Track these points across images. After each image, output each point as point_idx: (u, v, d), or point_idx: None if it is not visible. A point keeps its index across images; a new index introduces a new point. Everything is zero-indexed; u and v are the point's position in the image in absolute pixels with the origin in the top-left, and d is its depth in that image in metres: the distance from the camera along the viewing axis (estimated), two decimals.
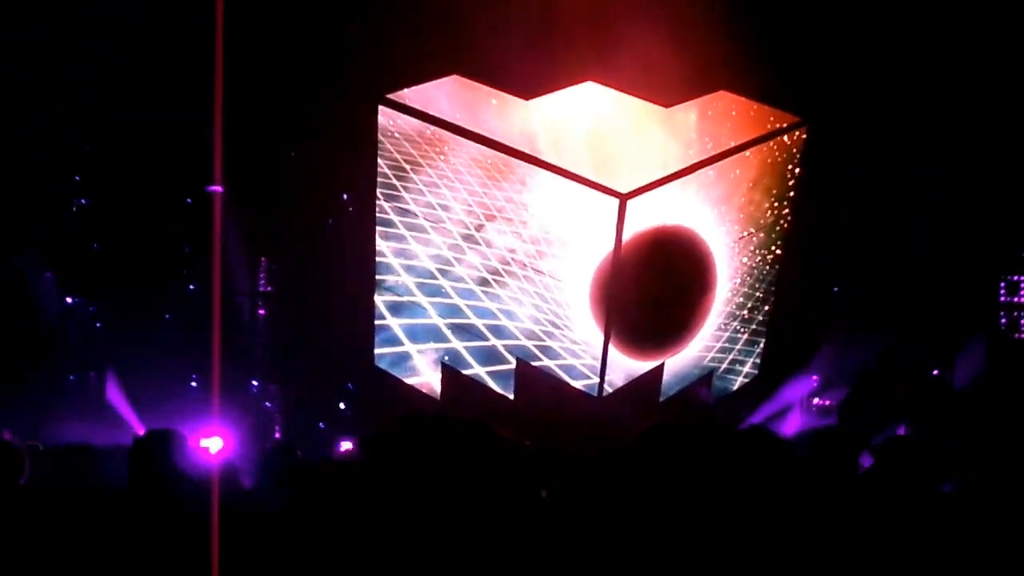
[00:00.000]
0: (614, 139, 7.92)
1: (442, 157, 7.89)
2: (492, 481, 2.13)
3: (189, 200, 9.37)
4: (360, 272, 8.83)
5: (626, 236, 7.31)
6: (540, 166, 7.46)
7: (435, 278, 8.28)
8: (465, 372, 8.46)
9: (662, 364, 8.30)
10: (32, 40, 8.68)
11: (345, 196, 9.75)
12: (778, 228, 8.57)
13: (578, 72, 8.56)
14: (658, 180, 7.43)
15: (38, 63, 8.80)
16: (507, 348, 8.12)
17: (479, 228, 7.88)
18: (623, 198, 7.18)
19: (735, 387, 9.15)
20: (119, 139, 9.10)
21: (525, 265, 7.70)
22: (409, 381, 8.82)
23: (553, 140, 7.73)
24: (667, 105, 8.33)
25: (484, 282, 8.03)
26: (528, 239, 7.66)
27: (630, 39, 8.15)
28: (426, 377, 8.74)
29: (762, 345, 9.10)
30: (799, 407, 9.23)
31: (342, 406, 9.40)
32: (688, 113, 8.33)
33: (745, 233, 8.23)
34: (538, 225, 7.60)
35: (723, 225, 8.03)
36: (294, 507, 4.41)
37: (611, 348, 7.71)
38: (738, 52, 8.39)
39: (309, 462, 5.35)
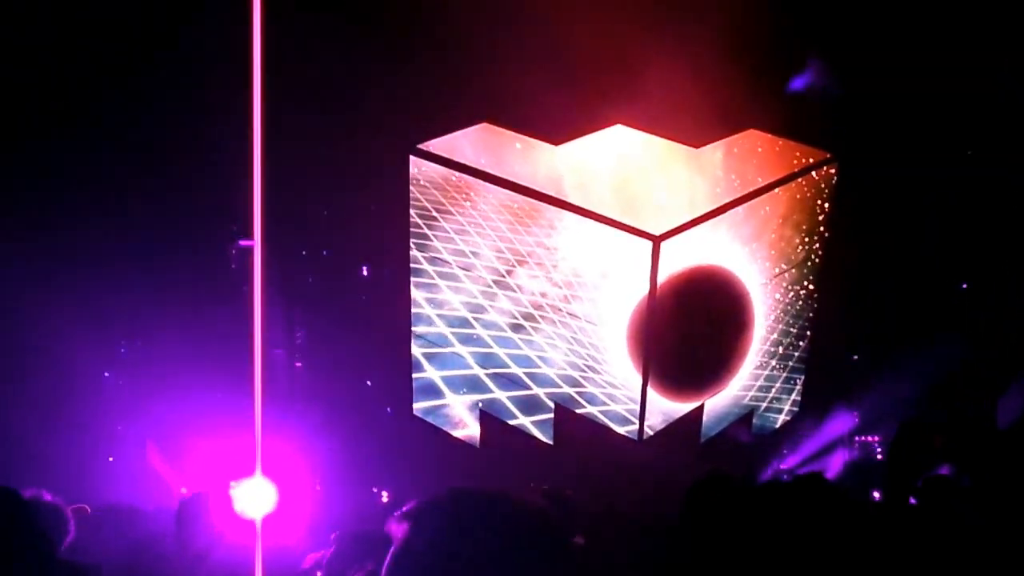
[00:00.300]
0: (644, 181, 7.94)
1: (469, 203, 7.93)
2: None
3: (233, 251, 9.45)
4: (395, 322, 8.87)
5: (660, 278, 7.29)
6: (572, 210, 7.49)
7: (469, 325, 8.30)
8: (504, 420, 8.46)
9: (702, 405, 8.25)
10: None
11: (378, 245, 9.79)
12: (810, 263, 8.54)
13: (606, 116, 8.60)
14: (691, 221, 7.43)
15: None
16: (545, 394, 8.12)
17: (510, 273, 7.90)
18: (656, 240, 7.18)
19: (777, 425, 9.09)
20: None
21: (560, 310, 7.71)
22: (448, 430, 8.83)
23: (584, 184, 7.76)
24: (697, 145, 8.35)
25: (518, 328, 8.04)
26: (560, 283, 7.67)
27: (657, 81, 8.18)
28: (464, 426, 8.74)
29: (801, 382, 9.04)
30: (842, 445, 9.15)
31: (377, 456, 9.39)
32: (717, 152, 8.34)
33: (777, 270, 8.20)
34: (570, 268, 7.61)
35: (755, 263, 8.01)
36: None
37: (650, 391, 7.68)
38: (766, 90, 8.41)
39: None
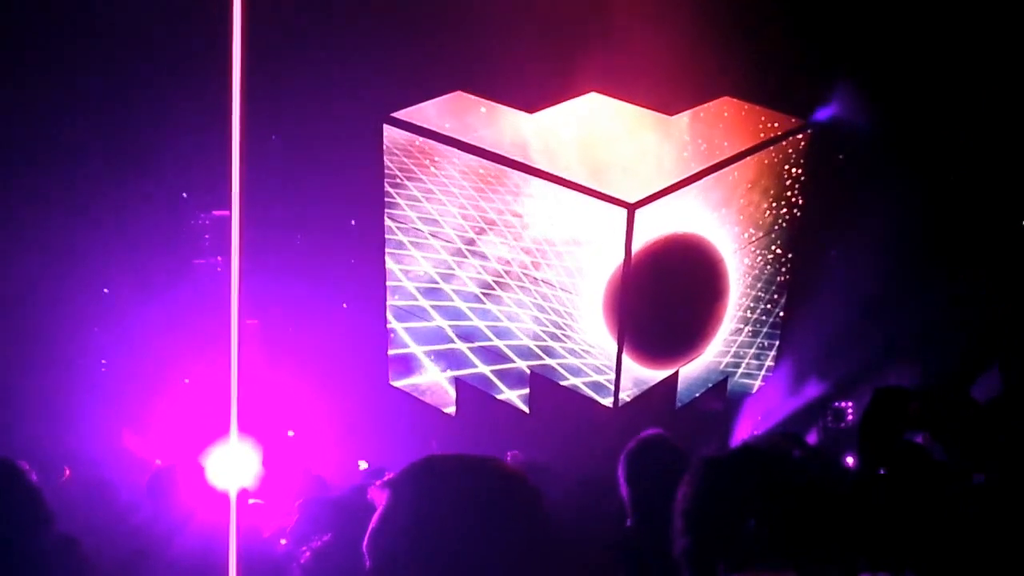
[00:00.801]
0: (618, 149, 7.93)
1: (434, 168, 7.94)
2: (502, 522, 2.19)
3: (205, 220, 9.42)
4: (371, 292, 8.87)
5: (635, 245, 7.30)
6: (549, 179, 7.47)
7: (443, 294, 8.31)
8: (479, 388, 8.48)
9: (676, 372, 8.29)
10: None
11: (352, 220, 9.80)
12: (782, 229, 8.57)
13: (581, 84, 8.59)
14: (664, 188, 7.43)
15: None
16: (519, 362, 8.14)
17: (477, 239, 7.91)
18: (631, 207, 7.18)
19: (752, 391, 9.14)
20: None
21: (533, 277, 7.72)
22: (425, 400, 8.85)
23: (557, 151, 7.75)
24: (671, 113, 8.36)
25: (490, 295, 8.05)
26: (532, 249, 7.67)
27: (631, 49, 8.17)
28: (441, 395, 8.76)
29: (775, 348, 9.10)
30: (816, 410, 9.21)
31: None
32: (691, 120, 8.34)
33: (749, 236, 8.23)
34: (540, 234, 7.61)
35: (728, 229, 8.03)
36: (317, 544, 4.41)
37: (625, 359, 7.70)
38: (740, 57, 8.41)
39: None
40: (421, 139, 7.92)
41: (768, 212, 8.34)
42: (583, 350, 7.77)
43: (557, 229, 7.53)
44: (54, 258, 8.87)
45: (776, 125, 8.23)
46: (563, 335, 7.81)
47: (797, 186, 8.46)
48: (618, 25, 8.09)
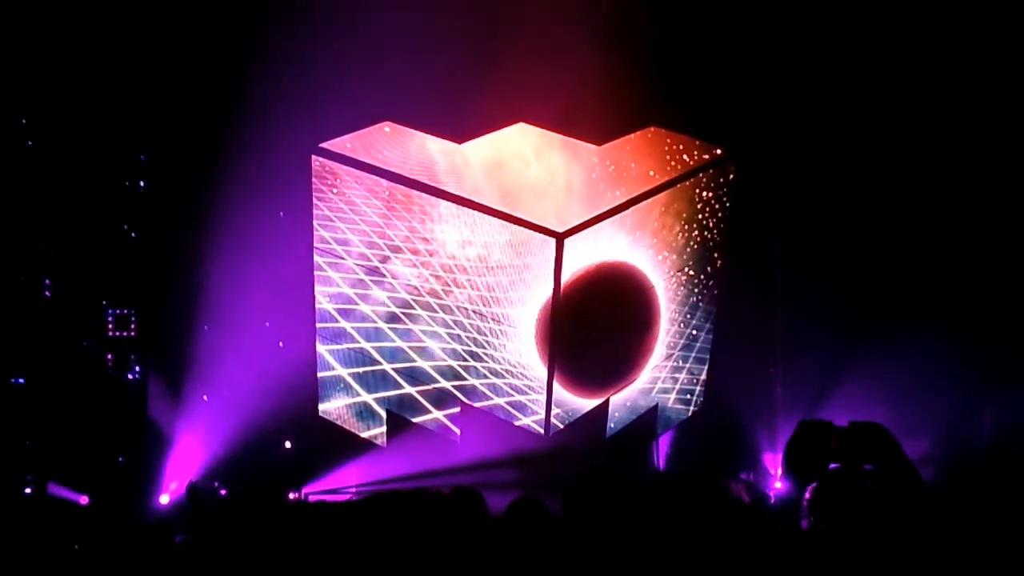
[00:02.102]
0: (546, 178, 7.99)
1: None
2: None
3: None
4: (301, 320, 8.82)
5: (564, 274, 7.35)
6: (477, 209, 7.51)
7: (367, 319, 8.30)
8: (408, 416, 8.45)
9: (607, 400, 8.33)
10: None
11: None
12: (710, 258, 8.67)
13: (509, 114, 8.64)
14: (593, 217, 7.50)
15: None
16: (454, 389, 8.14)
17: (387, 261, 7.93)
18: (560, 237, 7.23)
19: (683, 418, 9.20)
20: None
21: (484, 315, 7.73)
22: (356, 432, 8.81)
23: (487, 181, 7.79)
24: (599, 143, 8.44)
25: (415, 318, 8.06)
26: (454, 271, 7.69)
27: (560, 79, 8.25)
28: (371, 424, 8.73)
29: (703, 378, 9.17)
30: (744, 439, 9.32)
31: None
32: (618, 150, 8.42)
33: (678, 266, 8.32)
34: (451, 259, 7.65)
35: (656, 259, 8.12)
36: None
37: (556, 387, 7.73)
38: (667, 88, 8.53)
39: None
40: (329, 162, 7.95)
41: (694, 240, 8.43)
42: (517, 378, 7.79)
43: (469, 253, 7.57)
44: None
45: (703, 155, 8.34)
46: (498, 364, 7.82)
47: (722, 214, 8.57)
48: (547, 55, 8.16)
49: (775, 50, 8.50)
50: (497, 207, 7.47)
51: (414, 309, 8.04)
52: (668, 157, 8.26)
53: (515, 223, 7.35)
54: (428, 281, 7.86)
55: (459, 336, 7.88)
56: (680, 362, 8.88)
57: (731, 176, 8.46)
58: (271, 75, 8.50)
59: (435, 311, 7.92)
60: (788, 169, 8.74)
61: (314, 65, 8.46)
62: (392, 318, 8.19)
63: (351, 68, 8.47)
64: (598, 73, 7.97)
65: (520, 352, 7.71)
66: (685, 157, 8.31)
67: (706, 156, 8.35)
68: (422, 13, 8.33)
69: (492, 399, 7.97)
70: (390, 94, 8.51)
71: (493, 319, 7.66)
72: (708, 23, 8.62)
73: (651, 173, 8.03)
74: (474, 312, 7.73)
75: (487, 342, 7.78)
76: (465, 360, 7.94)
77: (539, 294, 7.47)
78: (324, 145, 8.09)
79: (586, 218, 7.44)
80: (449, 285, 7.76)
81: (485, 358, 7.85)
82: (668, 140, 8.45)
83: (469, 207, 7.51)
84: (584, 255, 7.54)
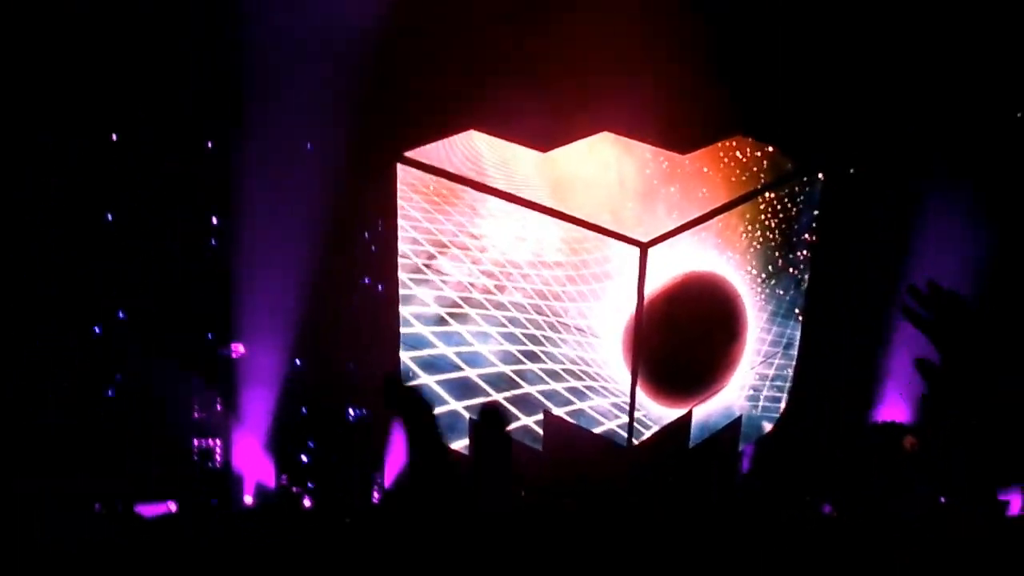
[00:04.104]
0: (629, 187, 7.95)
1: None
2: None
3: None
4: (386, 332, 8.86)
5: (649, 284, 7.29)
6: (560, 218, 7.48)
7: (446, 324, 8.30)
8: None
9: (690, 411, 8.25)
10: None
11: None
12: (798, 269, 8.55)
13: (594, 123, 8.62)
14: (677, 228, 7.43)
15: None
16: (536, 399, 8.12)
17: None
18: (644, 246, 7.17)
19: (766, 431, 9.09)
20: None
21: (576, 328, 7.69)
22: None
23: (571, 190, 7.76)
24: (683, 152, 8.37)
25: (513, 338, 8.04)
26: (553, 285, 7.66)
27: (645, 88, 8.22)
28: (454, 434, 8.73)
29: (789, 390, 9.05)
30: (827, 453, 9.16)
31: None
32: (703, 159, 8.35)
33: (764, 276, 8.22)
34: (562, 275, 7.61)
35: (743, 269, 8.02)
36: None
37: (640, 397, 7.67)
38: (754, 97, 8.45)
39: None
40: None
41: (787, 253, 8.33)
42: (600, 388, 7.74)
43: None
44: None
45: (789, 165, 8.24)
46: (582, 374, 7.78)
47: (812, 224, 8.46)
48: (628, 65, 8.14)
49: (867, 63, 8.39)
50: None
51: (464, 308, 8.02)
52: (775, 174, 8.15)
53: (601, 232, 7.30)
54: (478, 278, 7.83)
55: (550, 351, 7.85)
56: (766, 373, 8.77)
57: (819, 186, 8.34)
58: (360, 83, 8.59)
59: (528, 327, 7.89)
60: (883, 179, 8.62)
61: (401, 71, 8.53)
62: (439, 321, 8.18)
63: (436, 77, 8.53)
64: (680, 81, 7.93)
65: (604, 362, 7.66)
66: (764, 165, 8.22)
67: (790, 166, 8.24)
68: (508, 21, 8.36)
69: (573, 408, 7.93)
70: (475, 103, 8.54)
71: (587, 330, 7.63)
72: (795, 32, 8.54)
73: (737, 183, 7.94)
74: (570, 324, 7.70)
75: (578, 355, 7.75)
76: (552, 370, 7.92)
77: (624, 303, 7.41)
78: (409, 154, 8.10)
79: (670, 228, 7.38)
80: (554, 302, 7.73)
81: (572, 371, 7.82)
82: (775, 158, 8.32)
83: (554, 215, 7.48)
84: (679, 267, 7.49)
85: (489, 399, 4.81)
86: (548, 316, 7.75)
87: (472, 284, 8.02)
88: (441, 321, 8.25)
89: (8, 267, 8.87)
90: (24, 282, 8.81)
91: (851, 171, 8.43)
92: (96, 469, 8.92)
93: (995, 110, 8.48)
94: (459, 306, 8.16)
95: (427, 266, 8.11)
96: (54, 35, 8.46)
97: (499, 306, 7.95)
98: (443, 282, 8.18)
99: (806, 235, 8.45)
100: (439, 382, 8.62)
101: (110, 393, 9.22)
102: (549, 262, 7.60)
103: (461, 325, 8.19)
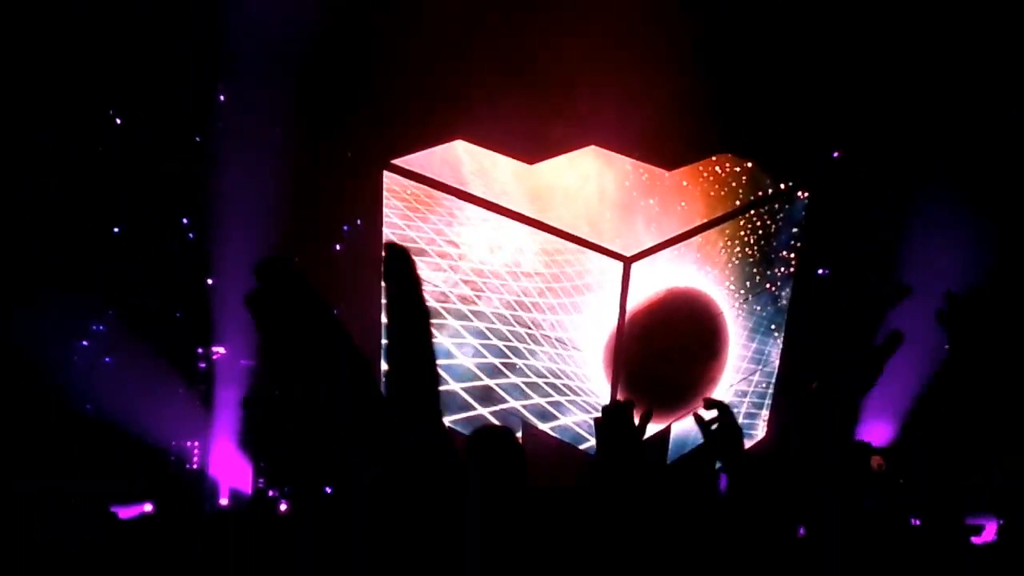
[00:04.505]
0: (615, 202, 7.97)
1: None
2: None
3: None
4: (368, 339, 8.85)
5: (632, 299, 7.30)
6: (546, 230, 7.49)
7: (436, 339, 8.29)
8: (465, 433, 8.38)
9: (668, 427, 8.26)
10: None
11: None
12: (779, 287, 8.59)
13: (581, 137, 8.65)
14: (662, 243, 7.45)
15: None
16: (519, 412, 8.12)
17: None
18: (627, 261, 7.19)
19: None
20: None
21: (558, 341, 7.69)
22: None
23: (555, 202, 7.77)
24: (669, 168, 8.41)
25: (492, 348, 8.04)
26: (532, 304, 7.67)
27: (633, 104, 8.25)
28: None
29: (768, 406, 9.08)
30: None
31: None
32: (687, 176, 8.38)
33: (745, 294, 8.24)
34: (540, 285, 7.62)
35: (724, 286, 8.05)
36: None
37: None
38: (740, 114, 8.49)
39: None
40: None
41: (768, 271, 8.36)
42: (581, 401, 7.75)
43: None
44: None
45: (768, 181, 8.27)
46: (565, 387, 7.79)
47: (794, 242, 8.49)
48: (619, 79, 8.17)
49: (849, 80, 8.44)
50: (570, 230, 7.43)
51: (444, 318, 8.02)
52: (759, 192, 8.18)
53: (585, 245, 7.31)
54: (458, 286, 7.83)
55: (532, 363, 7.86)
56: (746, 388, 8.80)
57: (803, 203, 8.38)
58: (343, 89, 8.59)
59: (526, 341, 7.90)
60: (863, 200, 8.67)
61: (388, 80, 8.53)
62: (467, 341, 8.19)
63: (423, 86, 8.54)
64: (672, 98, 7.95)
65: (586, 374, 7.67)
66: (743, 180, 8.25)
67: (770, 181, 8.27)
68: (497, 34, 8.38)
69: (552, 420, 7.93)
70: (462, 114, 8.56)
71: (568, 343, 7.63)
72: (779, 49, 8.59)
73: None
74: (555, 339, 7.70)
75: (560, 367, 7.75)
76: (538, 388, 7.92)
77: (604, 317, 7.43)
78: (396, 162, 8.11)
79: (654, 243, 7.40)
80: (544, 321, 7.74)
81: (558, 385, 7.82)
82: (758, 175, 8.35)
83: (538, 227, 7.49)
84: (661, 282, 7.50)
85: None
86: (529, 328, 7.76)
87: (450, 292, 8.03)
88: None
89: None
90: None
91: (835, 187, 8.48)
92: (77, 469, 8.90)
93: (981, 124, 8.55)
94: (439, 315, 8.17)
95: None
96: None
97: (478, 315, 7.96)
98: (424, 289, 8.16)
99: (785, 252, 8.48)
100: None
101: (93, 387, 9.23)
102: (529, 272, 7.61)
103: (440, 333, 8.18)
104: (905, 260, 8.91)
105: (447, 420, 8.24)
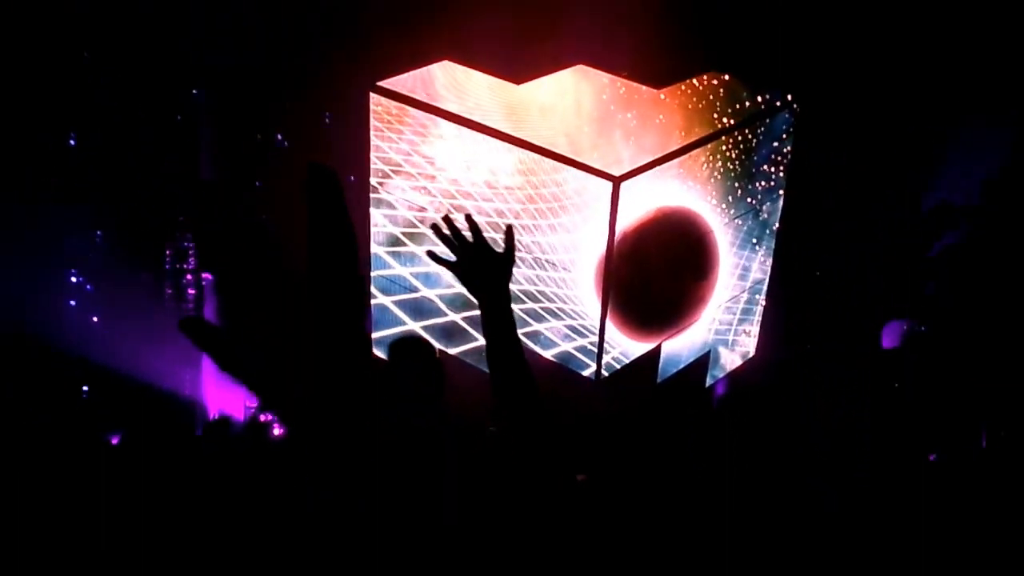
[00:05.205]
0: (592, 116, 7.90)
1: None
2: None
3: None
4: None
5: (621, 218, 7.28)
6: (532, 150, 7.43)
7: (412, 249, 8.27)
8: (453, 352, 8.36)
9: (659, 346, 8.29)
10: None
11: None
12: (768, 206, 8.57)
13: (569, 56, 8.56)
14: (650, 162, 7.41)
15: None
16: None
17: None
18: (616, 180, 7.16)
19: (734, 366, 9.16)
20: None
21: (548, 263, 7.67)
22: None
23: (543, 122, 7.71)
24: (658, 87, 8.33)
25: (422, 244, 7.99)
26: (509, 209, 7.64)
27: (621, 22, 8.16)
28: None
29: (758, 324, 9.11)
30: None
31: None
32: (677, 94, 8.30)
33: (735, 212, 8.23)
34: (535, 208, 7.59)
35: (715, 205, 8.03)
36: None
37: (609, 330, 7.69)
38: (729, 33, 8.41)
39: None
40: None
41: (758, 189, 8.33)
42: (570, 321, 7.75)
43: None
44: None
45: (761, 100, 8.21)
46: (553, 306, 7.78)
47: (783, 160, 8.45)
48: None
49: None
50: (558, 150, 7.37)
51: (419, 231, 7.99)
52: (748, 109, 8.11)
53: (574, 165, 7.27)
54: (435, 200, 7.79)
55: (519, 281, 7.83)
56: (736, 308, 8.82)
57: (792, 120, 8.33)
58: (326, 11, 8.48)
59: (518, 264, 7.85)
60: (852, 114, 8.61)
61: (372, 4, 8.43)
62: (395, 242, 8.16)
63: (409, 6, 8.44)
64: (655, 15, 7.87)
65: (576, 295, 7.66)
66: (722, 94, 8.17)
67: (762, 102, 8.21)
68: None
69: (540, 343, 7.94)
70: (449, 34, 8.46)
71: (552, 262, 7.61)
72: None
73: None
74: (541, 258, 7.68)
75: (546, 286, 7.75)
76: (523, 302, 7.90)
77: (594, 236, 7.40)
78: (382, 84, 8.03)
79: (644, 163, 7.35)
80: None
81: (541, 305, 7.82)
82: (748, 93, 8.27)
83: (525, 147, 7.43)
84: (650, 202, 7.47)
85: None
86: (519, 251, 7.72)
87: (427, 206, 7.96)
88: (397, 242, 8.21)
89: None
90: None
91: (823, 102, 8.42)
92: (67, 399, 8.95)
93: (975, 42, 8.51)
94: (415, 226, 8.11)
95: (381, 185, 8.05)
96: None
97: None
98: (400, 204, 8.10)
99: (766, 166, 8.43)
100: (396, 302, 8.58)
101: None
102: (511, 186, 7.54)
103: (418, 246, 8.13)
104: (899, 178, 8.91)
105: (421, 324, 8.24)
